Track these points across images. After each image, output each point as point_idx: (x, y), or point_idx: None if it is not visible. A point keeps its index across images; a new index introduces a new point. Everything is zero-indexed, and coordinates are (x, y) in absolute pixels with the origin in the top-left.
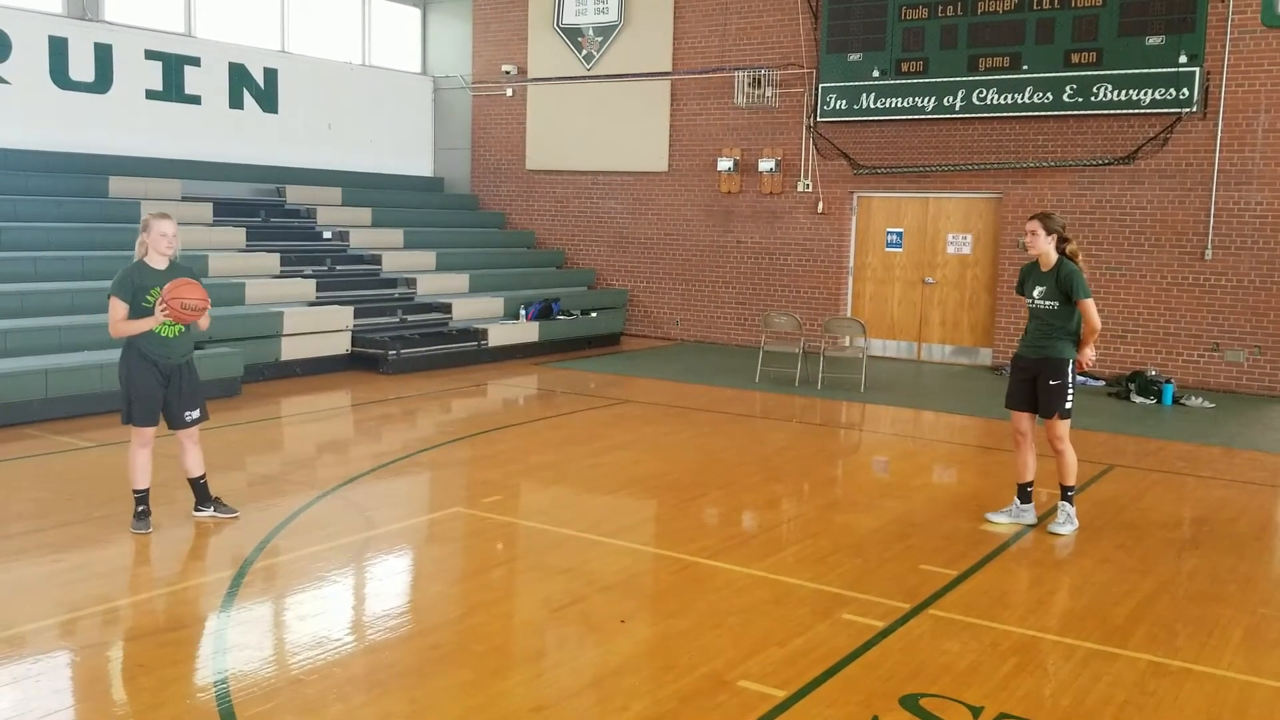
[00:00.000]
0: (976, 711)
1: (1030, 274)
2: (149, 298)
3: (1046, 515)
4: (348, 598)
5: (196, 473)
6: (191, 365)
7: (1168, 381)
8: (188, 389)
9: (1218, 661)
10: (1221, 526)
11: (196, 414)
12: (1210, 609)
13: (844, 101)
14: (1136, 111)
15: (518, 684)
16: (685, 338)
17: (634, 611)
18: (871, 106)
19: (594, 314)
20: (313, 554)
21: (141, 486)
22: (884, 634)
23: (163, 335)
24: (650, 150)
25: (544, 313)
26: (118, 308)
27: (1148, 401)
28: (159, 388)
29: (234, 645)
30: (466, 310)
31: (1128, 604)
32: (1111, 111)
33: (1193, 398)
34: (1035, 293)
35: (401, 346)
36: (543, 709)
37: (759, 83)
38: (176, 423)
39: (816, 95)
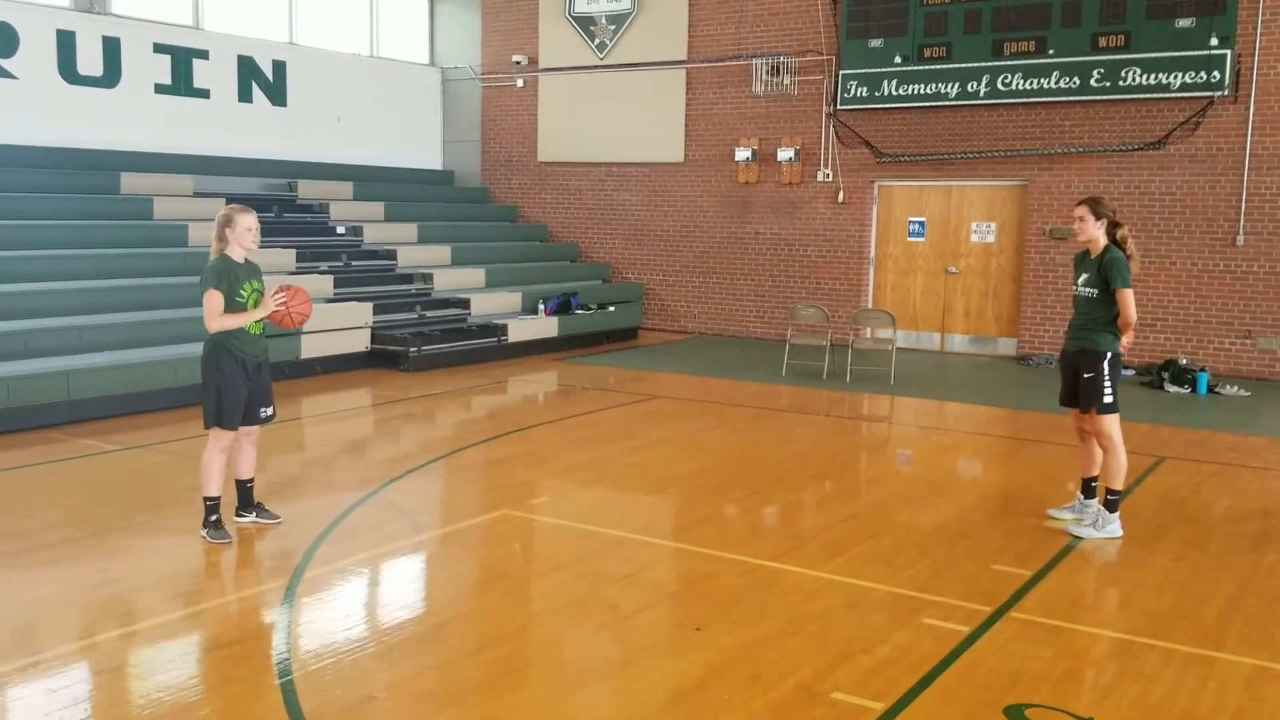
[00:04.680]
0: None
1: (1081, 261)
2: (242, 293)
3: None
4: (407, 608)
5: (248, 474)
6: (268, 360)
7: (1201, 370)
8: (265, 385)
9: None
10: (1265, 519)
11: (270, 410)
12: None
13: (865, 89)
14: (1166, 96)
15: (599, 698)
16: (703, 331)
17: (707, 619)
18: (893, 94)
19: (612, 308)
20: (364, 560)
21: (217, 493)
22: (970, 640)
23: (253, 332)
24: (666, 141)
25: (562, 307)
26: (216, 300)
27: (1182, 390)
28: (245, 387)
29: (298, 661)
30: (485, 305)
31: (1214, 604)
32: (1140, 96)
33: (1228, 386)
34: (1080, 280)
35: (422, 343)
36: None
37: (777, 70)
38: (251, 419)
39: (837, 83)
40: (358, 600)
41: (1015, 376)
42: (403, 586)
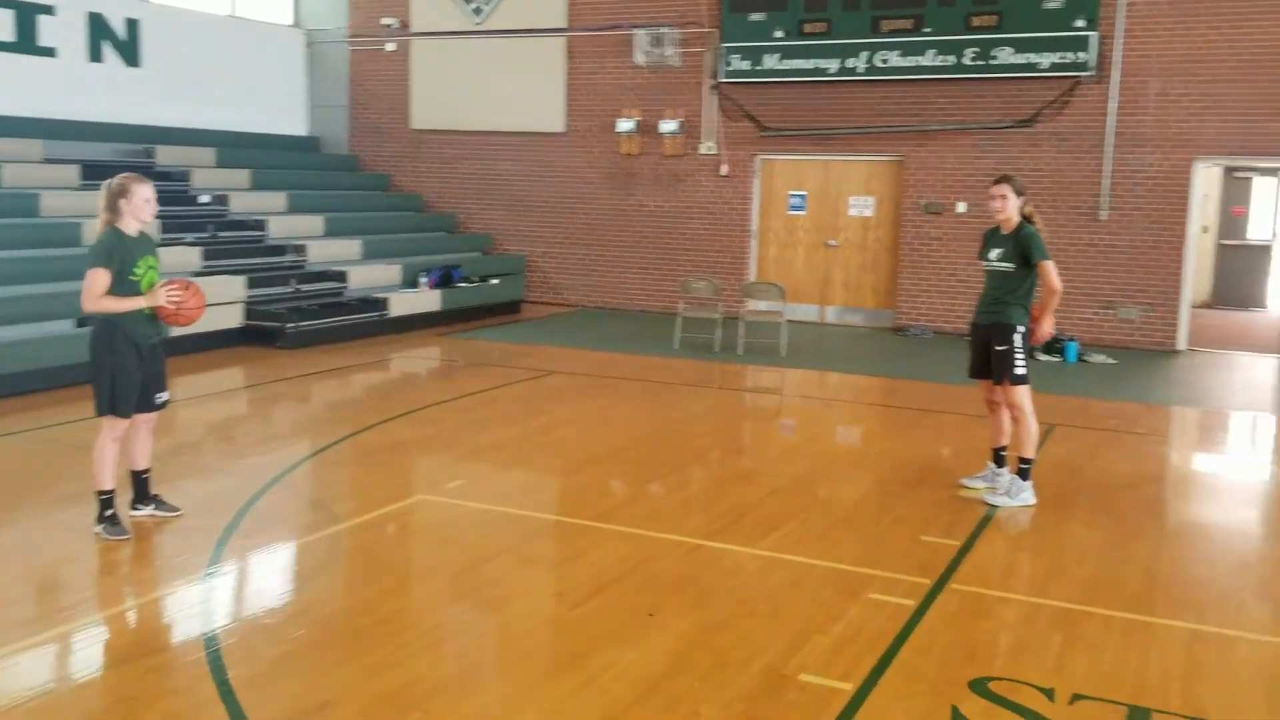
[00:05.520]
0: (1049, 693)
1: (990, 237)
2: (136, 270)
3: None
4: (341, 603)
5: (144, 464)
6: (162, 342)
7: (1070, 339)
8: (159, 368)
9: (1246, 625)
10: (1181, 484)
11: (165, 395)
12: (1212, 570)
13: (747, 62)
14: (1036, 75)
15: (569, 694)
16: (587, 304)
17: (657, 604)
18: (775, 68)
19: (495, 281)
20: (282, 554)
21: (112, 485)
22: (919, 614)
23: (146, 313)
24: (546, 110)
25: (445, 280)
26: (101, 279)
27: (1053, 359)
28: (139, 371)
29: (234, 668)
30: (363, 278)
31: (1134, 569)
32: (1012, 75)
33: (1095, 355)
34: (992, 254)
35: (299, 319)
36: (613, 719)
37: (659, 41)
38: (145, 406)
39: (719, 55)
40: (285, 597)
41: (897, 348)
42: (331, 580)
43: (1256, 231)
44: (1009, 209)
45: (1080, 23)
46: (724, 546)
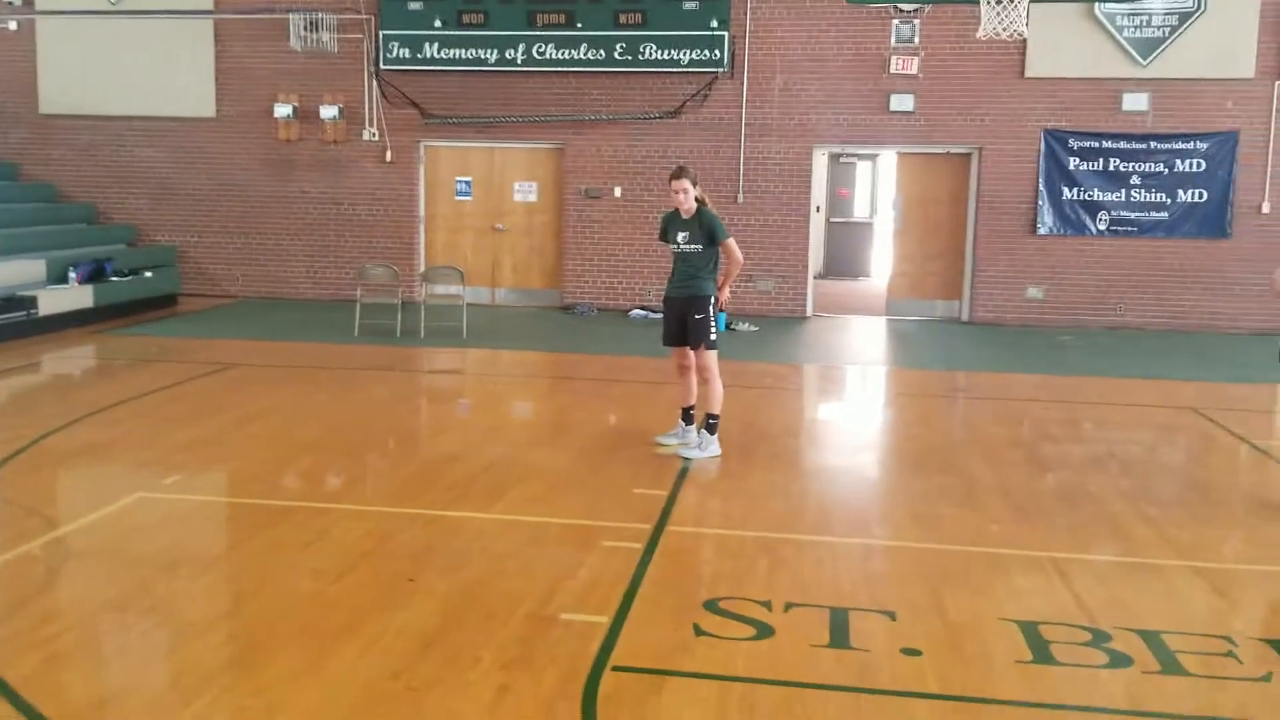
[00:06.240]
0: (768, 605)
1: (672, 222)
2: None
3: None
4: (103, 600)
5: None
6: None
7: (721, 310)
8: None
9: (904, 537)
10: (831, 429)
11: None
12: (871, 496)
13: (407, 50)
14: (678, 70)
15: (355, 658)
16: (249, 295)
17: (414, 571)
18: (436, 56)
19: (149, 274)
20: (8, 564)
21: None
22: (648, 553)
23: None
24: (194, 94)
25: (96, 274)
26: None
27: None
28: None
29: (9, 671)
30: (3, 276)
31: (811, 501)
32: (657, 70)
33: (741, 324)
34: (680, 238)
35: None
36: (402, 673)
37: (316, 26)
38: None
39: (378, 42)
40: (36, 603)
41: (570, 325)
42: (75, 582)
43: (859, 211)
44: (690, 199)
45: (714, 23)
46: (461, 514)
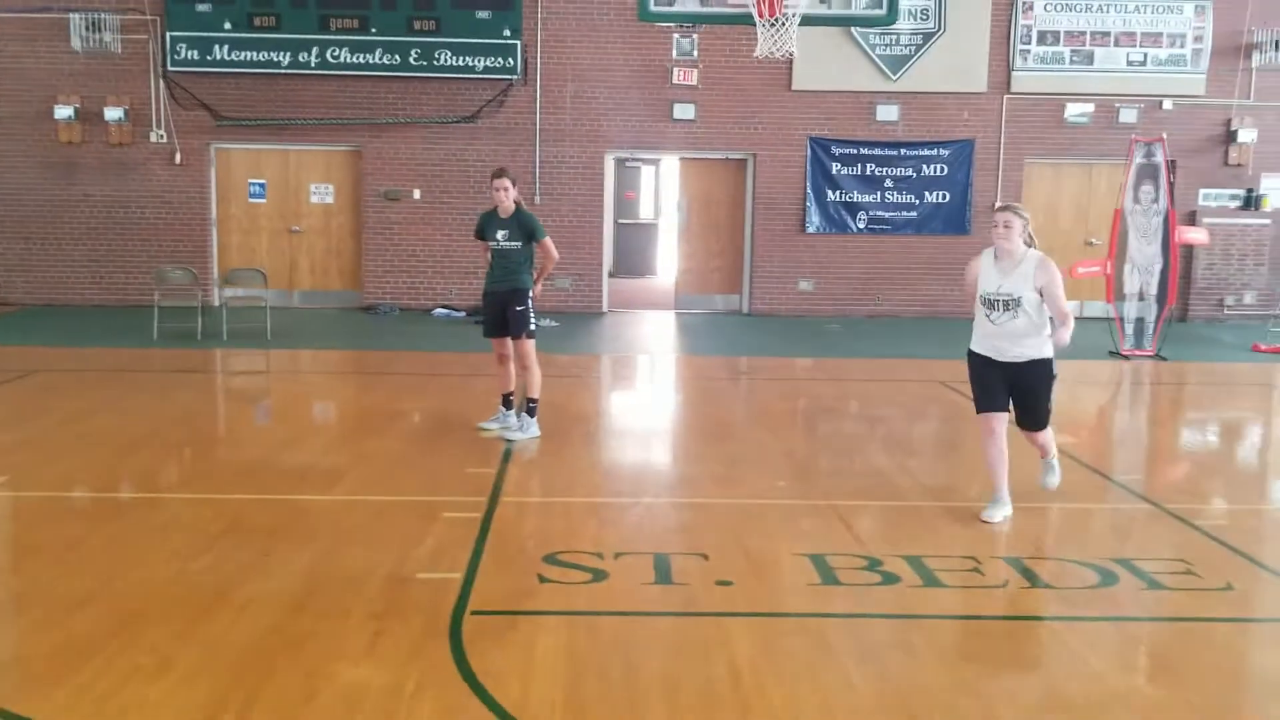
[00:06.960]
0: (600, 555)
1: (489, 221)
2: None
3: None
4: None
5: None
6: None
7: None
8: None
9: (712, 494)
10: (636, 409)
11: None
12: (678, 459)
13: (196, 52)
14: (473, 76)
15: (231, 621)
16: (29, 302)
17: (269, 547)
18: (226, 58)
19: None
20: None
21: None
22: (487, 520)
23: None
24: None
25: None
26: None
27: None
28: None
29: None
30: None
31: (624, 470)
32: (452, 75)
33: (543, 319)
34: (499, 235)
35: None
36: (280, 629)
37: (98, 26)
38: None
39: (165, 43)
40: None
41: (374, 325)
42: None
43: (644, 212)
44: (509, 199)
45: (507, 32)
46: (304, 497)
